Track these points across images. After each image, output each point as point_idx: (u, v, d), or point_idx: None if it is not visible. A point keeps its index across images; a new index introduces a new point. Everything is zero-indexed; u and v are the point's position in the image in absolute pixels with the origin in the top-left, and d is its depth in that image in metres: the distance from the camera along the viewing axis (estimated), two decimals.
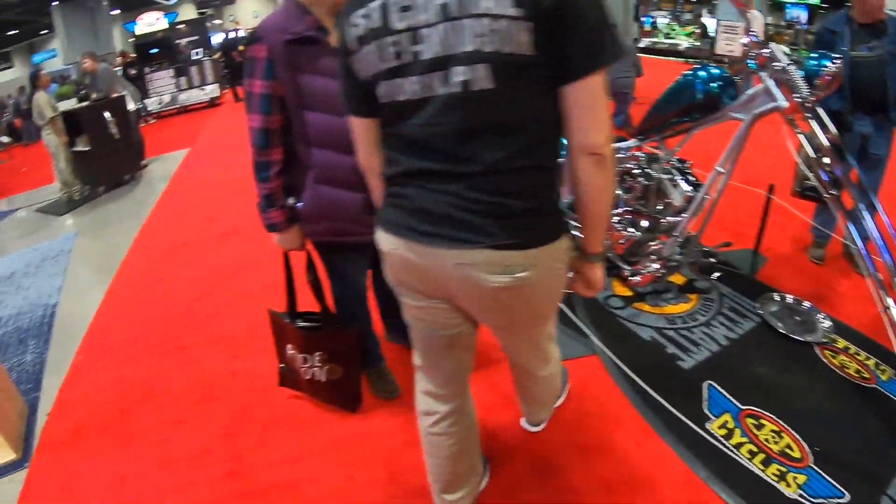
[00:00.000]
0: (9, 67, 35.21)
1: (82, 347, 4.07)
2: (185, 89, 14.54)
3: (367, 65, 1.37)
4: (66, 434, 3.16)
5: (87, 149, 7.89)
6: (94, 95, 9.55)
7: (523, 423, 2.57)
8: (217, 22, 32.03)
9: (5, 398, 3.32)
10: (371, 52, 1.34)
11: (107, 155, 7.91)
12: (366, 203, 2.02)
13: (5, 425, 3.15)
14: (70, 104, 8.82)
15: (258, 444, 2.75)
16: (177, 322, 4.11)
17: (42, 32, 35.87)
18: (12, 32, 33.94)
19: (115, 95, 8.73)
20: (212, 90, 14.57)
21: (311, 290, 2.58)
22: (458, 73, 1.24)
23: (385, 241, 1.53)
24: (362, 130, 1.56)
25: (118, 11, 32.86)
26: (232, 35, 15.08)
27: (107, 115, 7.98)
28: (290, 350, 2.75)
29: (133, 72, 13.85)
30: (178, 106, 14.50)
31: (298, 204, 2.25)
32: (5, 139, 15.82)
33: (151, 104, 14.29)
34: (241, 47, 14.56)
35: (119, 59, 15.39)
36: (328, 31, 2.03)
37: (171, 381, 3.41)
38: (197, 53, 15.99)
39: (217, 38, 22.89)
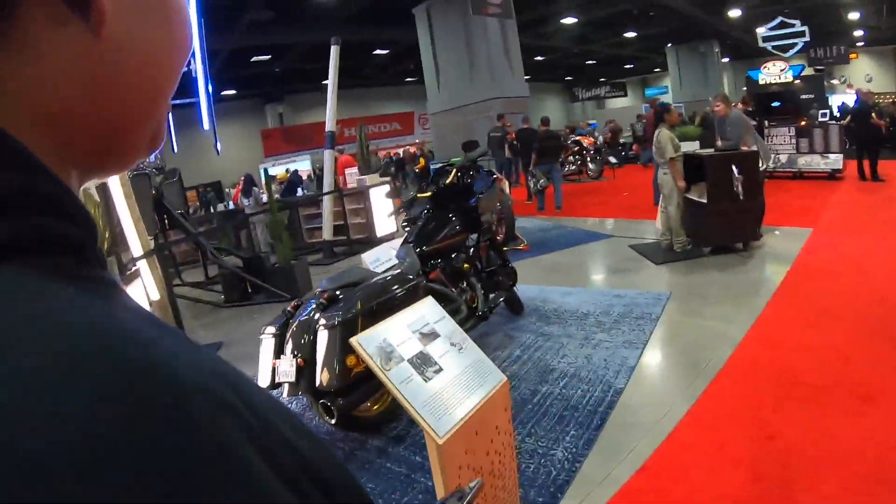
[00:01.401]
0: (623, 96, 39.07)
1: (632, 484, 2.79)
2: (805, 153, 12.57)
3: None
4: None
5: (702, 200, 6.81)
6: (718, 143, 8.47)
7: None
8: (833, 82, 29.26)
9: None
10: None
11: (723, 213, 6.67)
12: None
13: None
14: (692, 146, 7.87)
15: None
16: None
17: (655, 70, 38.50)
18: (629, 66, 37.22)
19: (745, 149, 7.43)
20: (834, 160, 12.26)
21: None
22: None
23: None
24: None
25: (728, 59, 32.92)
26: (860, 98, 12.55)
27: (734, 168, 6.72)
28: None
29: (753, 123, 12.59)
30: (794, 169, 12.64)
31: None
32: (613, 159, 16.43)
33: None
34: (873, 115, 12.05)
35: (739, 107, 14.35)
36: None
37: None
38: (823, 115, 13.95)
39: (837, 100, 20.45)
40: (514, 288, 5.38)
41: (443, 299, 4.42)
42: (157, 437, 0.26)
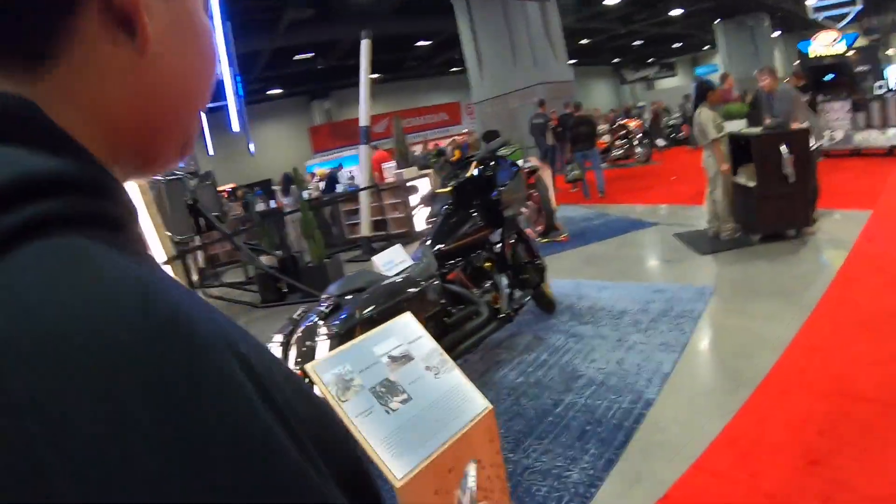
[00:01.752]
0: (673, 76, 38.00)
1: None
2: (863, 129, 11.78)
3: None
4: None
5: (750, 184, 6.36)
6: (767, 121, 7.93)
7: None
8: (889, 52, 27.77)
9: None
10: None
11: (773, 198, 6.18)
12: None
13: None
14: (738, 125, 7.40)
15: None
16: None
17: (704, 48, 37.26)
18: (677, 45, 36.10)
19: (796, 126, 6.89)
20: (893, 135, 11.41)
21: None
22: None
23: None
24: None
25: (778, 33, 31.57)
26: None
27: (783, 148, 6.22)
28: None
29: (805, 98, 11.88)
30: (851, 147, 11.82)
31: None
32: (660, 142, 15.96)
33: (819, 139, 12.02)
34: None
35: (791, 80, 13.60)
36: None
37: None
38: (880, 87, 13.11)
39: (894, 70, 19.44)
40: (544, 284, 5.09)
41: (461, 301, 4.17)
42: (174, 373, 0.30)
